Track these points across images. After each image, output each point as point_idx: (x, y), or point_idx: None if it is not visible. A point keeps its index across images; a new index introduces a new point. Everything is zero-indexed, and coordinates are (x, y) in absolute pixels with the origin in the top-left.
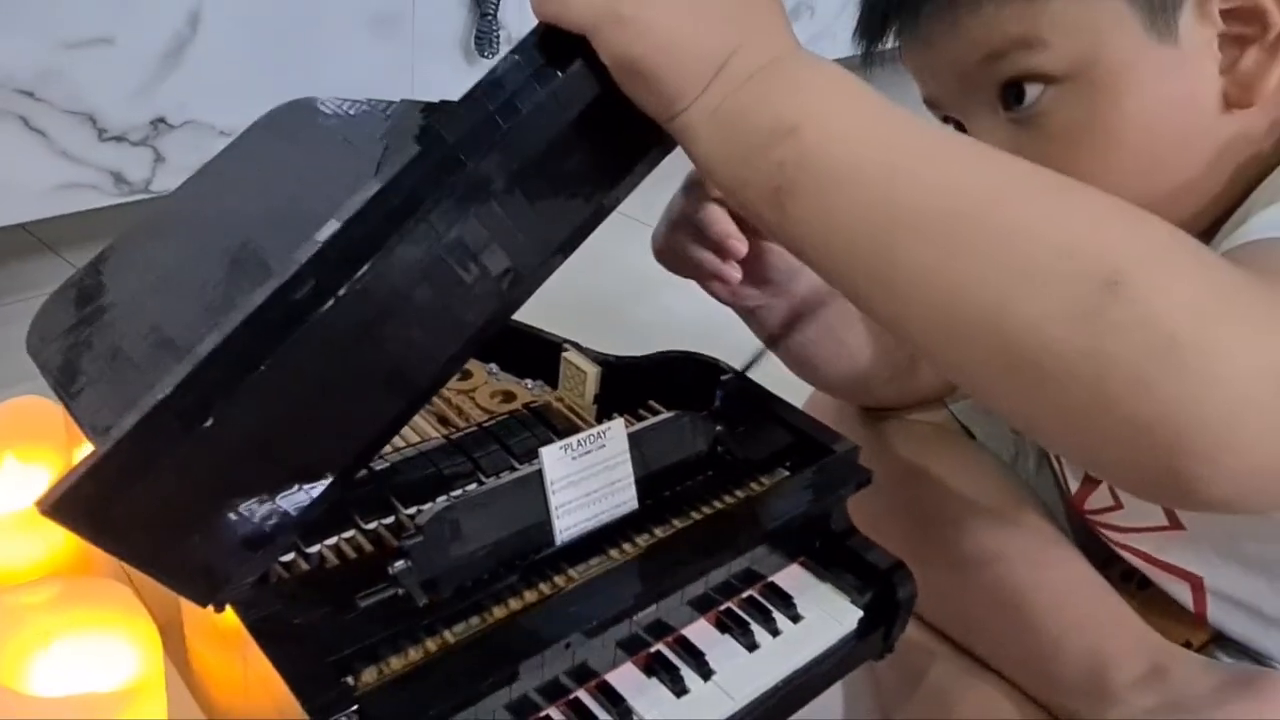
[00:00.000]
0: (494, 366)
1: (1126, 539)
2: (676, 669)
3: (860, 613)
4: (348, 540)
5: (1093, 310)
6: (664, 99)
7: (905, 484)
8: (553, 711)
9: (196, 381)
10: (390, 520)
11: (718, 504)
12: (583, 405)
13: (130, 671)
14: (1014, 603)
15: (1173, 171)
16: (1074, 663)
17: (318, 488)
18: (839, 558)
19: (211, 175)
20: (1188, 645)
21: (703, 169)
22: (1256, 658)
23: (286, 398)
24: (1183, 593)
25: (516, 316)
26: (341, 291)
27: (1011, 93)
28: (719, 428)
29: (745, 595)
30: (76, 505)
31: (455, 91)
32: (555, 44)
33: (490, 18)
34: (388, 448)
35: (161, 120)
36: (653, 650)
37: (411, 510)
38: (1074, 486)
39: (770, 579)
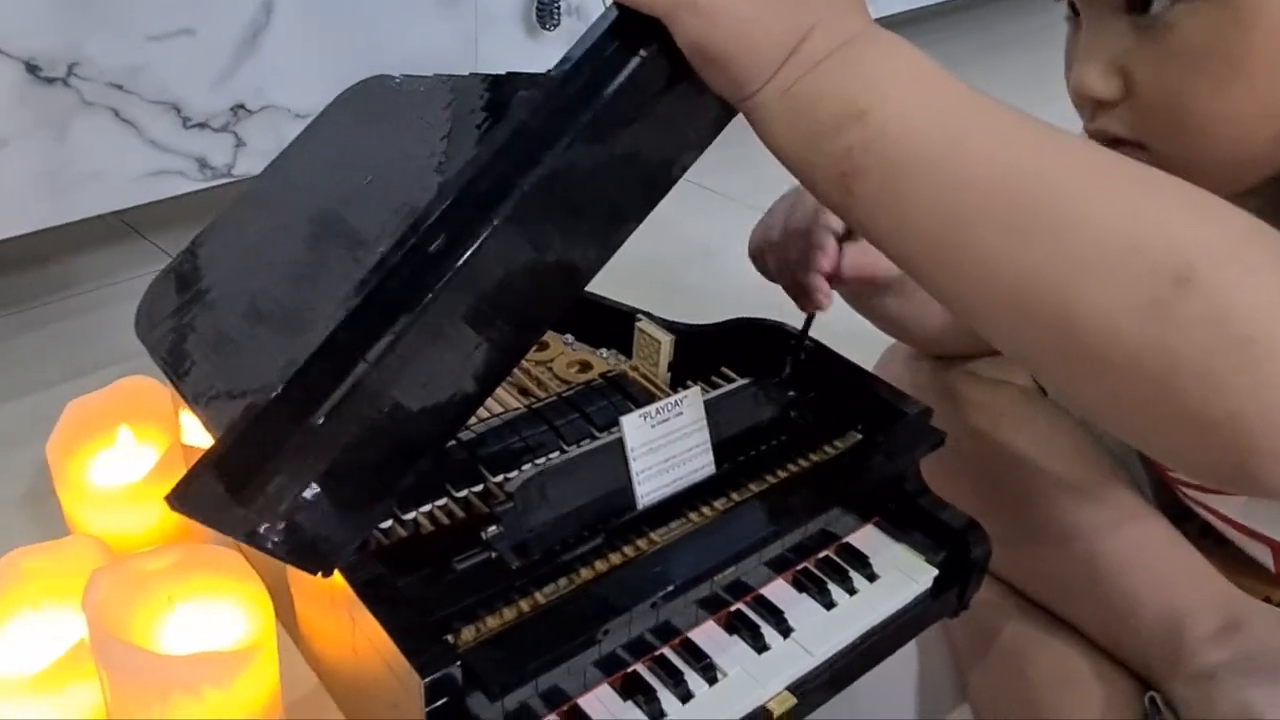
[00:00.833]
0: (570, 337)
1: (1208, 499)
2: (757, 626)
3: (935, 571)
4: (440, 507)
5: (1161, 305)
6: (737, 82)
7: (980, 443)
8: (639, 667)
9: (307, 375)
10: (479, 488)
11: (792, 467)
12: (657, 373)
13: (245, 631)
14: (1090, 559)
15: None
16: (1150, 617)
17: (420, 460)
18: (913, 518)
19: (294, 158)
20: (1267, 601)
21: (772, 149)
22: None
23: (393, 382)
24: (1263, 554)
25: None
26: (447, 277)
27: None
28: (791, 393)
29: (821, 555)
30: (201, 497)
31: (518, 63)
32: (631, 27)
33: None
34: (473, 419)
35: (241, 106)
36: (733, 609)
37: (499, 478)
38: None
39: (846, 539)
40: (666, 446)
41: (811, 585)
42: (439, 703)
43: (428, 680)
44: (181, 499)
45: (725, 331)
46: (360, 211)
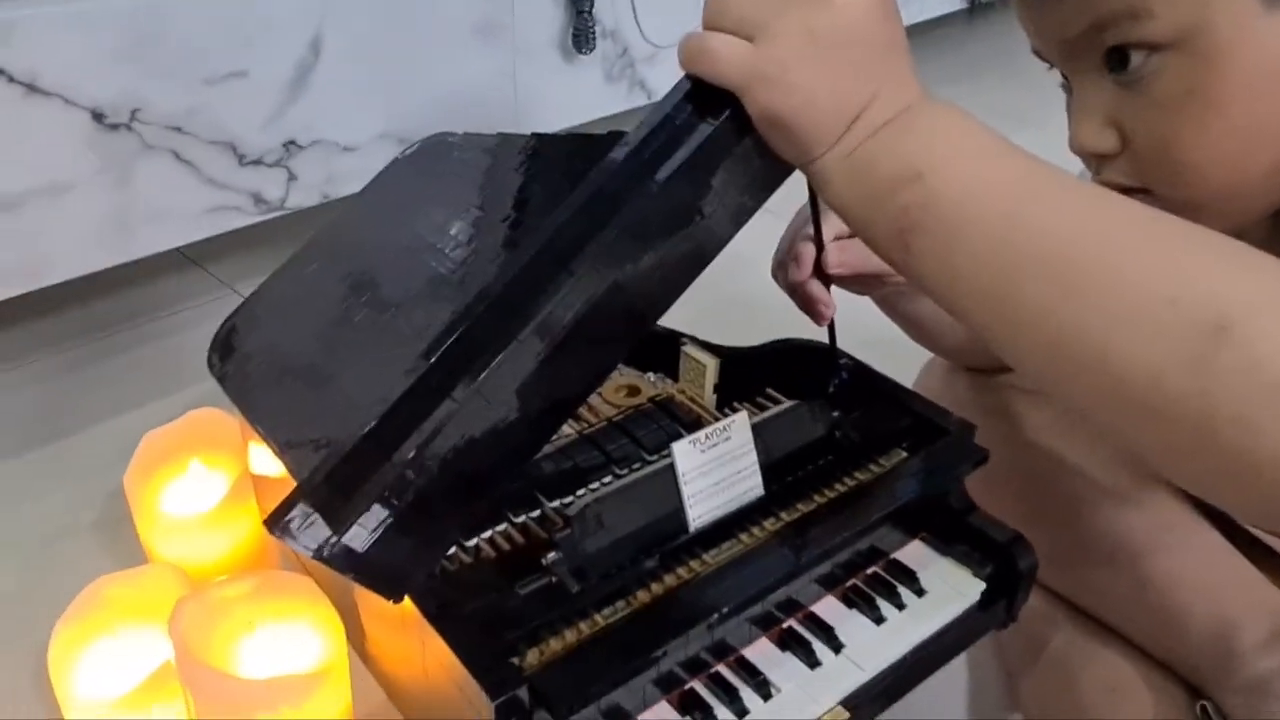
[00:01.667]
0: None
1: None
2: (808, 643)
3: (982, 585)
4: (500, 533)
5: (1200, 356)
6: (803, 148)
7: (1023, 455)
8: (696, 684)
9: (397, 413)
10: (537, 513)
11: (839, 486)
12: (703, 396)
13: (318, 655)
14: (1138, 569)
15: (1274, 145)
16: (1200, 626)
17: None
18: (959, 533)
19: (361, 208)
20: None
21: (835, 208)
22: None
23: (475, 421)
24: None
25: None
26: (530, 326)
27: (1116, 58)
28: (836, 413)
29: (870, 572)
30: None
31: (557, 87)
32: (703, 96)
33: (586, 14)
34: None
35: (292, 142)
36: (785, 626)
37: (555, 503)
38: None
39: (893, 556)
40: (716, 470)
41: (861, 601)
42: None
43: (497, 702)
44: (276, 525)
45: (768, 353)
46: (436, 263)
